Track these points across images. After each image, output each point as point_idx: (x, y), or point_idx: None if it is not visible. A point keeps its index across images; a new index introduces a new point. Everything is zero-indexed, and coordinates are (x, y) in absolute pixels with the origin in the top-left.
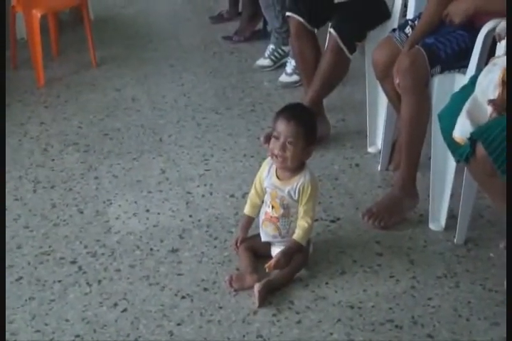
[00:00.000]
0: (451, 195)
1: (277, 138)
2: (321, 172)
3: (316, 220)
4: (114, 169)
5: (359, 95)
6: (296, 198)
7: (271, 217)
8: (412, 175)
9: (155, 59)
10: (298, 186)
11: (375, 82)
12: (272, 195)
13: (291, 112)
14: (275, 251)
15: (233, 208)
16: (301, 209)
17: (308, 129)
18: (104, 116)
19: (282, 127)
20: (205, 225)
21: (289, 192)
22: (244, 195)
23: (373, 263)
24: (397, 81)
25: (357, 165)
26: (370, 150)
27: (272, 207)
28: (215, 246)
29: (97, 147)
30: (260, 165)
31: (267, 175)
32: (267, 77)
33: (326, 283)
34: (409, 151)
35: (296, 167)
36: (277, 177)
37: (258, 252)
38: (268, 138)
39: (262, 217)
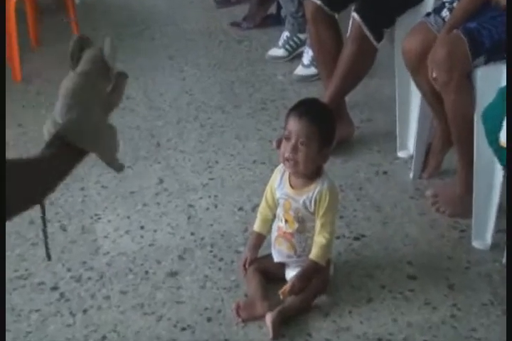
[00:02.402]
0: (499, 207)
1: (288, 138)
2: (343, 181)
3: (338, 237)
4: (103, 178)
5: (387, 90)
6: (312, 210)
7: (284, 232)
8: (471, 175)
9: (152, 49)
10: (314, 195)
11: (407, 74)
12: (286, 207)
13: (304, 108)
14: (290, 273)
15: (242, 223)
16: (318, 223)
17: (323, 128)
18: None
19: (293, 125)
20: (209, 244)
21: (304, 202)
22: (255, 208)
23: (405, 288)
24: (433, 74)
25: (385, 172)
26: (400, 154)
27: (286, 221)
28: (220, 269)
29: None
30: (272, 173)
31: (279, 183)
32: (280, 69)
33: (349, 312)
34: (461, 152)
35: (312, 173)
36: (291, 185)
37: (270, 275)
38: (282, 142)
39: (274, 233)
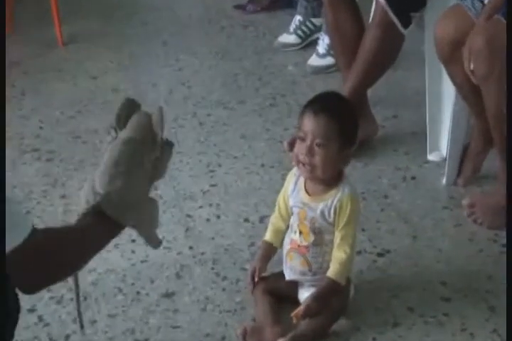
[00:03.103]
0: None
1: (303, 139)
2: (365, 187)
3: (359, 253)
4: None
5: (415, 83)
6: (331, 219)
7: (298, 246)
8: None
9: (143, 35)
10: (334, 203)
11: (439, 65)
12: (300, 216)
13: (321, 104)
14: (304, 294)
15: (248, 237)
16: (337, 235)
17: (344, 125)
18: (76, 113)
19: (309, 124)
20: (211, 260)
21: (322, 211)
22: (263, 219)
23: (437, 311)
24: (470, 66)
25: (413, 178)
26: (431, 157)
27: (300, 232)
28: (224, 289)
29: (65, 154)
30: (284, 179)
31: (293, 189)
32: (292, 59)
33: (373, 339)
34: (503, 155)
35: (332, 178)
36: (307, 192)
37: (281, 296)
38: (294, 143)
39: (286, 247)
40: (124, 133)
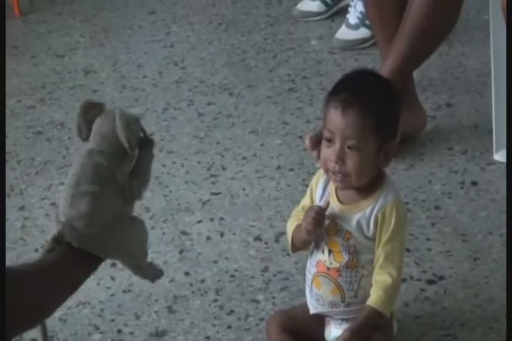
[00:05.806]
0: None
1: (330, 140)
2: (411, 196)
3: (403, 280)
4: (53, 192)
5: (475, 62)
6: (370, 233)
7: (328, 268)
8: None
9: (123, 2)
10: (374, 212)
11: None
12: (330, 231)
13: (351, 92)
14: (332, 332)
15: (260, 260)
16: (379, 253)
17: (382, 119)
18: (36, 102)
19: (336, 122)
20: (213, 290)
21: (358, 223)
22: (279, 237)
23: None
24: None
25: (474, 183)
26: (497, 157)
27: (330, 251)
28: (229, 326)
29: (24, 155)
30: (306, 184)
31: (321, 196)
32: (315, 31)
33: None
34: None
35: (370, 180)
36: (338, 199)
37: (302, 335)
38: (318, 139)
39: (311, 271)
40: (88, 144)
